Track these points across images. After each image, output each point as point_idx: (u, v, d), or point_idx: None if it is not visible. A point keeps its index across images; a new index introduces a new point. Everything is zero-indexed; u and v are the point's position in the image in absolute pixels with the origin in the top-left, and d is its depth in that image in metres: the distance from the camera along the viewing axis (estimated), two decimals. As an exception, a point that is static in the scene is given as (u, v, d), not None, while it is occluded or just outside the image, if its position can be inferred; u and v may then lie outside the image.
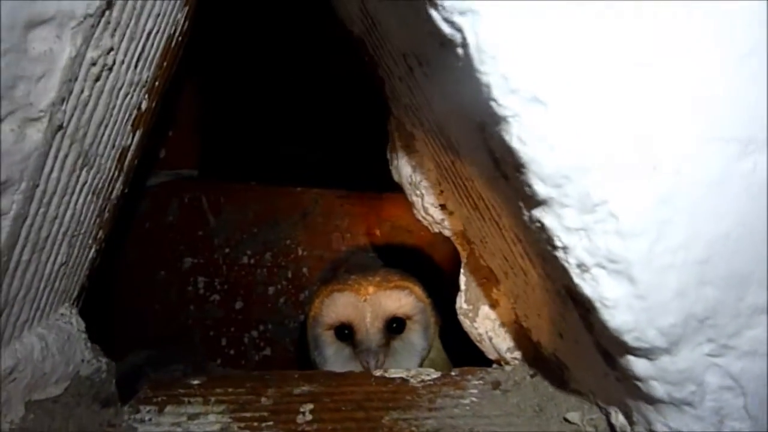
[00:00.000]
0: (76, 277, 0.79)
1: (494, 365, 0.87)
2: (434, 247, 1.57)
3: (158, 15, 0.68)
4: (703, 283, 0.48)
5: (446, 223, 0.85)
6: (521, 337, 0.82)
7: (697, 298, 0.48)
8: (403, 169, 0.86)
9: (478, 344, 0.88)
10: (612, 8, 0.44)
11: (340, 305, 1.01)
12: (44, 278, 0.68)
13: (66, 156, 0.60)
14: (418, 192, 0.85)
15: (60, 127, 0.55)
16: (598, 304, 0.48)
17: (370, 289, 1.00)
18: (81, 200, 0.69)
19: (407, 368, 0.87)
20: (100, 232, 0.81)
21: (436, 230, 0.88)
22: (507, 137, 0.47)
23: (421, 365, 1.03)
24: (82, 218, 0.71)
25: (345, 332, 1.01)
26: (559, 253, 0.49)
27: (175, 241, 1.59)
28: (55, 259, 0.69)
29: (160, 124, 0.90)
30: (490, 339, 0.85)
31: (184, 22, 0.78)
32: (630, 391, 0.55)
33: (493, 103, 0.46)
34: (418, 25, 0.52)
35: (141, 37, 0.65)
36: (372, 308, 0.99)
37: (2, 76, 0.46)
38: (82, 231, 0.73)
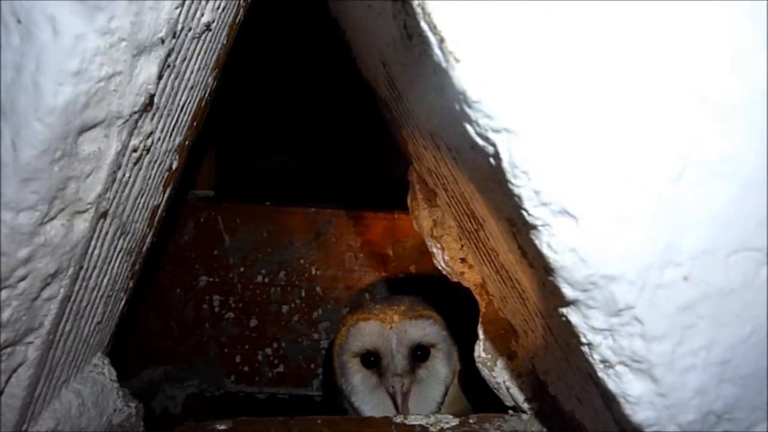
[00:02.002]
0: (108, 328, 0.81)
1: (510, 411, 0.90)
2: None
3: (192, 87, 0.70)
4: (722, 381, 0.50)
5: (466, 275, 0.87)
6: (539, 389, 0.84)
7: (717, 396, 0.50)
8: (424, 221, 0.88)
9: (495, 391, 0.90)
10: (643, 129, 0.45)
11: (366, 334, 1.04)
12: (82, 339, 0.71)
13: (107, 233, 0.62)
14: (438, 245, 0.87)
15: (104, 212, 0.57)
16: (621, 399, 0.51)
17: (396, 318, 1.04)
18: (117, 264, 0.71)
19: (427, 414, 0.90)
20: (131, 283, 0.84)
21: (455, 280, 0.90)
22: (537, 242, 0.49)
23: (446, 394, 1.06)
24: (117, 278, 0.74)
25: (371, 359, 1.04)
26: (584, 348, 0.52)
27: (191, 260, 1.61)
28: (92, 320, 0.72)
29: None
30: (508, 389, 0.87)
31: (213, 82, 0.80)
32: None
33: (524, 212, 0.48)
34: (449, 121, 0.54)
35: (176, 111, 0.68)
36: (398, 336, 1.02)
37: (55, 180, 0.49)
38: (116, 288, 0.76)
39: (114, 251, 0.67)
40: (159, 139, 0.66)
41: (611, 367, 0.50)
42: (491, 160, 0.48)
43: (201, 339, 1.61)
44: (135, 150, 0.58)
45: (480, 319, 0.91)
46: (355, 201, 1.63)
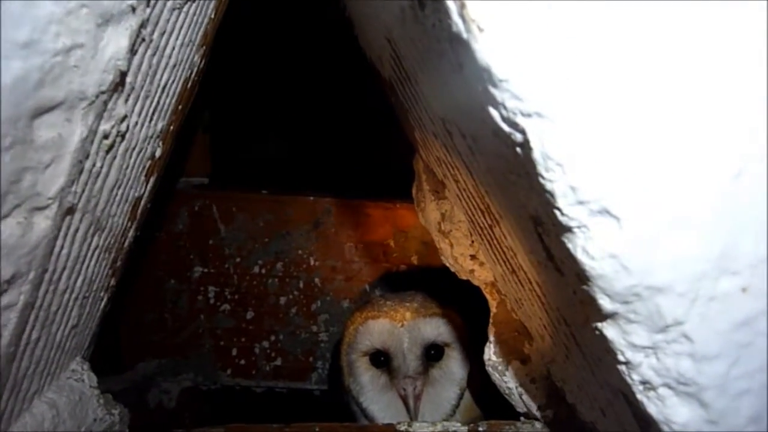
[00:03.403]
0: (88, 331, 0.75)
1: (522, 419, 0.83)
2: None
3: (174, 65, 0.62)
4: (781, 407, 0.43)
5: (476, 273, 0.80)
6: (554, 396, 0.78)
7: (774, 423, 0.43)
8: (431, 214, 0.81)
9: (507, 397, 0.84)
10: (699, 119, 0.38)
11: (375, 332, 0.97)
12: (55, 346, 0.64)
13: (77, 230, 0.55)
14: (446, 240, 0.80)
15: (71, 208, 0.50)
16: (663, 426, 0.44)
17: (408, 315, 0.97)
18: (93, 263, 0.64)
19: (433, 422, 0.83)
20: (112, 281, 0.77)
21: (464, 278, 0.84)
22: (570, 246, 0.42)
23: (461, 397, 1.00)
24: (94, 278, 0.67)
25: (381, 359, 0.98)
26: (621, 367, 0.45)
27: (185, 250, 1.55)
28: (66, 324, 0.65)
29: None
30: (520, 395, 0.81)
31: (200, 61, 0.73)
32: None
33: (556, 211, 0.41)
34: (467, 105, 0.47)
35: (156, 92, 0.60)
36: (410, 335, 0.96)
37: (6, 171, 0.42)
38: (94, 289, 0.69)
39: (87, 250, 0.60)
40: (136, 123, 0.58)
41: (653, 389, 0.44)
42: (518, 149, 0.41)
43: (196, 331, 1.56)
44: (106, 136, 0.51)
45: (491, 320, 0.84)
46: (356, 190, 1.56)
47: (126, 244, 0.76)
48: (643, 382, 0.44)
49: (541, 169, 0.40)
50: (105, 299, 0.76)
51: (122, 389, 1.38)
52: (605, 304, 0.42)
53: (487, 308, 0.99)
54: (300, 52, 1.68)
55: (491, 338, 0.83)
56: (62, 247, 0.53)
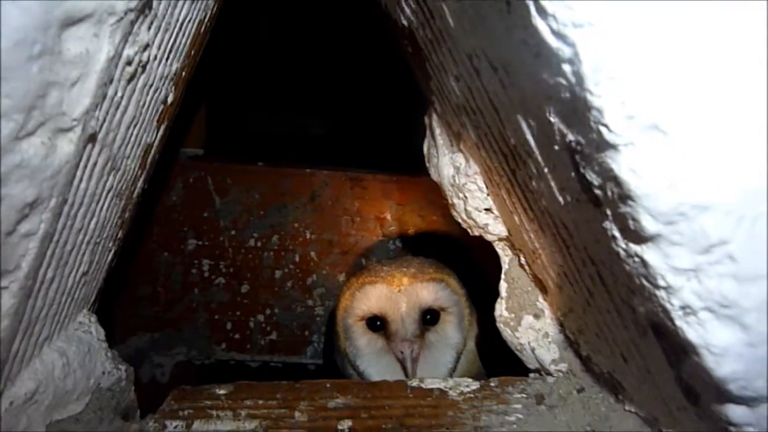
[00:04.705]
0: (96, 282, 0.73)
1: (532, 374, 0.83)
2: (445, 233, 1.53)
3: (193, 0, 0.60)
4: (820, 330, 0.43)
5: (490, 228, 0.80)
6: (567, 349, 0.78)
7: (813, 347, 0.43)
8: (445, 169, 0.80)
9: (518, 353, 0.84)
10: (753, 35, 0.38)
11: (372, 297, 0.97)
12: (66, 291, 0.62)
13: (95, 164, 0.53)
14: (461, 195, 0.79)
15: (93, 135, 0.48)
16: (703, 351, 0.44)
17: (405, 281, 0.97)
18: (106, 206, 0.62)
19: (444, 378, 0.83)
20: (120, 233, 0.75)
21: (476, 234, 0.83)
22: (614, 166, 0.41)
23: (458, 360, 1.00)
24: (105, 223, 0.65)
25: (377, 323, 0.98)
26: (660, 293, 0.45)
27: (179, 222, 1.53)
28: (78, 269, 0.63)
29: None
30: (533, 350, 0.81)
31: (214, 6, 0.71)
32: (714, 429, 0.52)
33: (603, 129, 0.40)
34: (504, 30, 0.46)
35: (175, 27, 0.58)
36: (407, 299, 0.96)
37: (33, 83, 0.40)
38: (104, 236, 0.67)
39: (103, 188, 0.58)
40: (155, 57, 0.56)
41: (693, 314, 0.44)
42: (565, 66, 0.40)
43: (190, 305, 1.54)
44: (129, 63, 0.49)
45: (502, 276, 0.84)
46: (353, 162, 1.55)
47: (135, 194, 0.74)
48: (683, 307, 0.44)
49: (589, 83, 0.39)
50: (112, 252, 0.74)
51: (114, 363, 1.35)
52: (648, 225, 0.42)
53: (483, 275, 0.99)
54: (298, 23, 1.66)
55: (503, 294, 0.83)
56: (81, 180, 0.52)
